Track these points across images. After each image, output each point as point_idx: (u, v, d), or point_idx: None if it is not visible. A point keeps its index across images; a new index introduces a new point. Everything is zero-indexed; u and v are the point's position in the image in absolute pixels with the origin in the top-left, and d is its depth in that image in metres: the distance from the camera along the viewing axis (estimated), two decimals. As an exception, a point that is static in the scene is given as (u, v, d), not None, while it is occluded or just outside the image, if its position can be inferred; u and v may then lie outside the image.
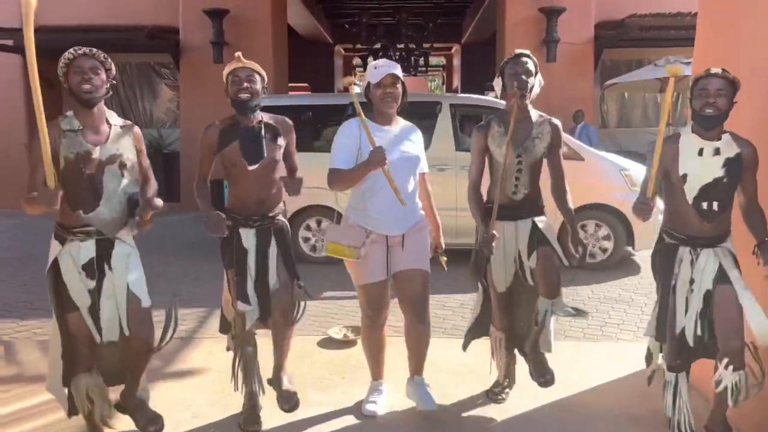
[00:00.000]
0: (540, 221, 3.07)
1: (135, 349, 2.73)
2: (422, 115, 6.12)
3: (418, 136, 3.17)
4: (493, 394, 3.29)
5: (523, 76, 2.95)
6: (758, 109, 2.90)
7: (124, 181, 2.69)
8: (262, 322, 2.98)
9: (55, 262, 2.66)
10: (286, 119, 3.07)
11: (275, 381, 3.03)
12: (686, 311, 2.69)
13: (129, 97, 11.17)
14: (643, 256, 6.83)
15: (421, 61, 18.37)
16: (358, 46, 16.34)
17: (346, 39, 16.85)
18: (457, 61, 20.38)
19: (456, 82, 20.87)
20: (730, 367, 2.59)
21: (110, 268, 2.69)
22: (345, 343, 4.18)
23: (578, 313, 3.11)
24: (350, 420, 3.11)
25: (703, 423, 2.83)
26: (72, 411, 2.76)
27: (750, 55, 2.97)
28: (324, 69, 18.15)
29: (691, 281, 2.67)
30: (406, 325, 3.13)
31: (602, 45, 10.15)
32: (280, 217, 3.02)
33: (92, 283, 2.66)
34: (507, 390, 3.31)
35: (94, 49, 2.63)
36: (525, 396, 3.28)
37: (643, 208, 2.65)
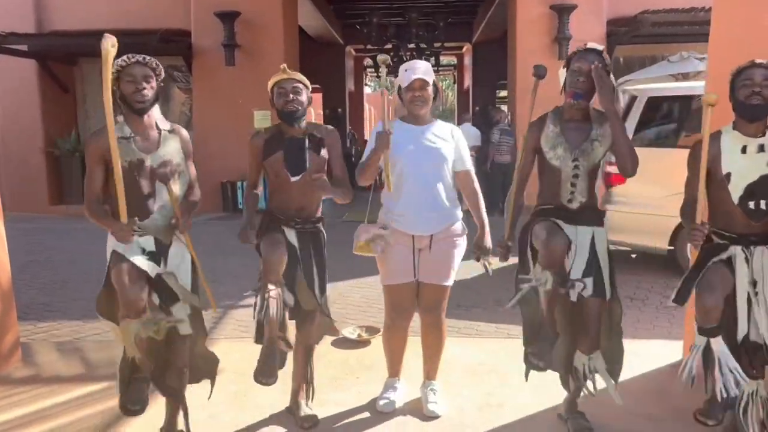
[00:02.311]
0: (600, 238, 2.77)
1: (172, 366, 2.77)
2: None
3: (450, 134, 3.06)
4: (535, 357, 2.83)
5: (583, 78, 2.70)
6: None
7: (175, 187, 2.69)
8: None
9: (114, 252, 2.61)
10: (331, 128, 3.06)
11: (294, 406, 3.08)
12: (749, 315, 2.51)
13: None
14: (657, 254, 6.77)
15: (432, 60, 18.32)
16: (369, 46, 16.28)
17: (357, 40, 16.78)
18: (468, 60, 20.30)
19: (467, 81, 20.81)
20: (751, 376, 2.52)
21: (165, 263, 2.71)
22: (359, 343, 4.19)
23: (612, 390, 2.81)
24: (366, 419, 3.11)
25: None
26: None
27: (767, 49, 2.93)
28: (335, 70, 18.15)
29: (754, 283, 2.50)
30: (422, 329, 3.18)
31: (615, 42, 10.07)
32: (320, 225, 3.03)
33: (153, 266, 2.63)
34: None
35: (148, 57, 2.63)
36: (541, 395, 3.26)
37: (696, 235, 2.47)
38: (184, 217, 2.70)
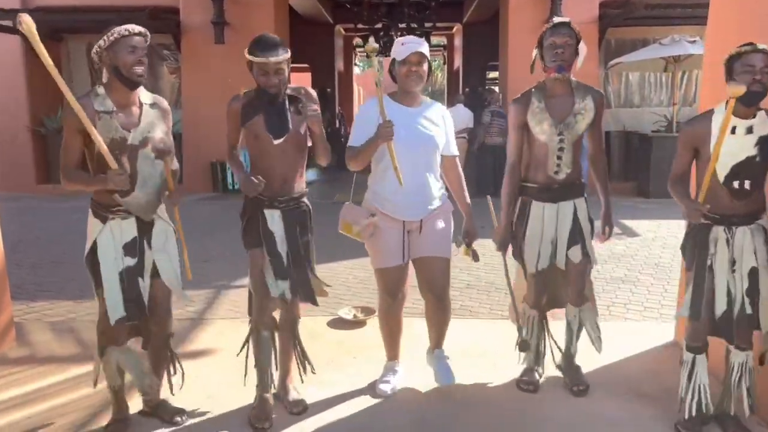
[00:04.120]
0: (580, 207, 3.04)
1: (156, 335, 2.84)
2: None
3: (442, 118, 3.04)
4: (524, 383, 3.19)
5: (560, 50, 2.83)
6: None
7: (158, 163, 2.69)
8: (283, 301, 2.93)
9: (95, 243, 2.66)
10: (309, 89, 2.97)
11: (282, 392, 3.07)
12: (728, 293, 2.63)
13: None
14: (647, 236, 6.85)
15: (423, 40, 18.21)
16: (359, 26, 16.10)
17: (347, 19, 16.58)
18: (458, 41, 20.17)
19: (457, 62, 20.70)
20: (739, 348, 2.66)
21: (150, 246, 2.74)
22: (355, 324, 4.20)
23: (596, 341, 3.19)
24: (363, 399, 3.14)
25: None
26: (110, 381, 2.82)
27: (766, 33, 2.93)
28: (324, 49, 17.97)
29: (732, 261, 2.63)
30: (427, 308, 3.16)
31: (607, 24, 10.04)
32: (305, 199, 2.97)
33: (133, 261, 2.69)
34: (538, 377, 3.23)
35: (144, 29, 2.58)
36: (535, 375, 3.30)
37: (695, 213, 2.56)
38: (176, 190, 2.76)
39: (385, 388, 3.16)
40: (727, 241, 2.63)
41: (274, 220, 2.87)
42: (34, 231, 7.42)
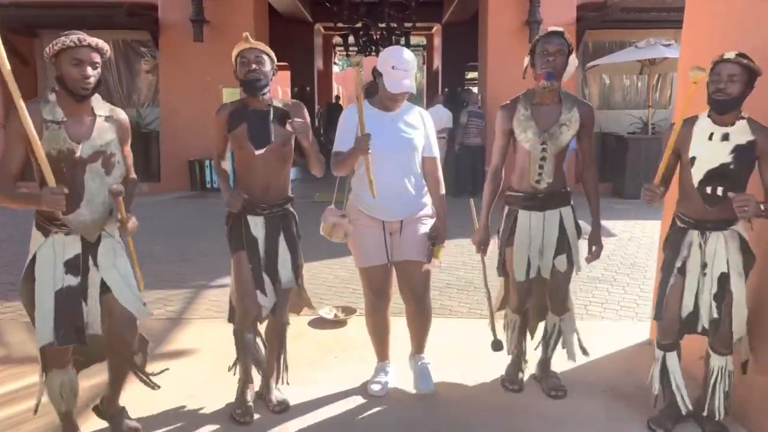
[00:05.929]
0: (567, 216, 3.02)
1: (117, 352, 2.67)
2: None
3: (421, 120, 3.05)
4: (509, 383, 3.24)
5: (551, 58, 2.84)
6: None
7: (109, 180, 2.50)
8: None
9: (35, 257, 2.47)
10: (297, 102, 3.00)
11: (264, 390, 3.07)
12: (696, 295, 2.70)
13: (106, 75, 10.96)
14: (623, 236, 6.96)
15: (402, 40, 18.21)
16: (339, 24, 16.10)
17: (327, 17, 16.55)
18: (437, 41, 20.25)
19: (436, 62, 20.78)
20: (718, 352, 2.71)
21: (96, 264, 2.54)
22: (336, 323, 4.21)
23: (582, 351, 3.23)
24: (345, 398, 3.14)
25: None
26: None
27: (740, 38, 2.99)
28: (304, 48, 17.90)
29: (704, 265, 2.68)
30: (407, 312, 3.19)
31: (584, 27, 10.18)
32: (288, 206, 2.97)
33: (75, 281, 2.49)
34: (521, 375, 3.26)
35: (99, 42, 2.41)
36: (515, 373, 3.33)
37: (648, 194, 2.62)
38: (128, 217, 2.55)
39: (376, 389, 3.15)
40: (700, 245, 2.70)
41: (257, 226, 2.88)
42: (7, 229, 7.29)
